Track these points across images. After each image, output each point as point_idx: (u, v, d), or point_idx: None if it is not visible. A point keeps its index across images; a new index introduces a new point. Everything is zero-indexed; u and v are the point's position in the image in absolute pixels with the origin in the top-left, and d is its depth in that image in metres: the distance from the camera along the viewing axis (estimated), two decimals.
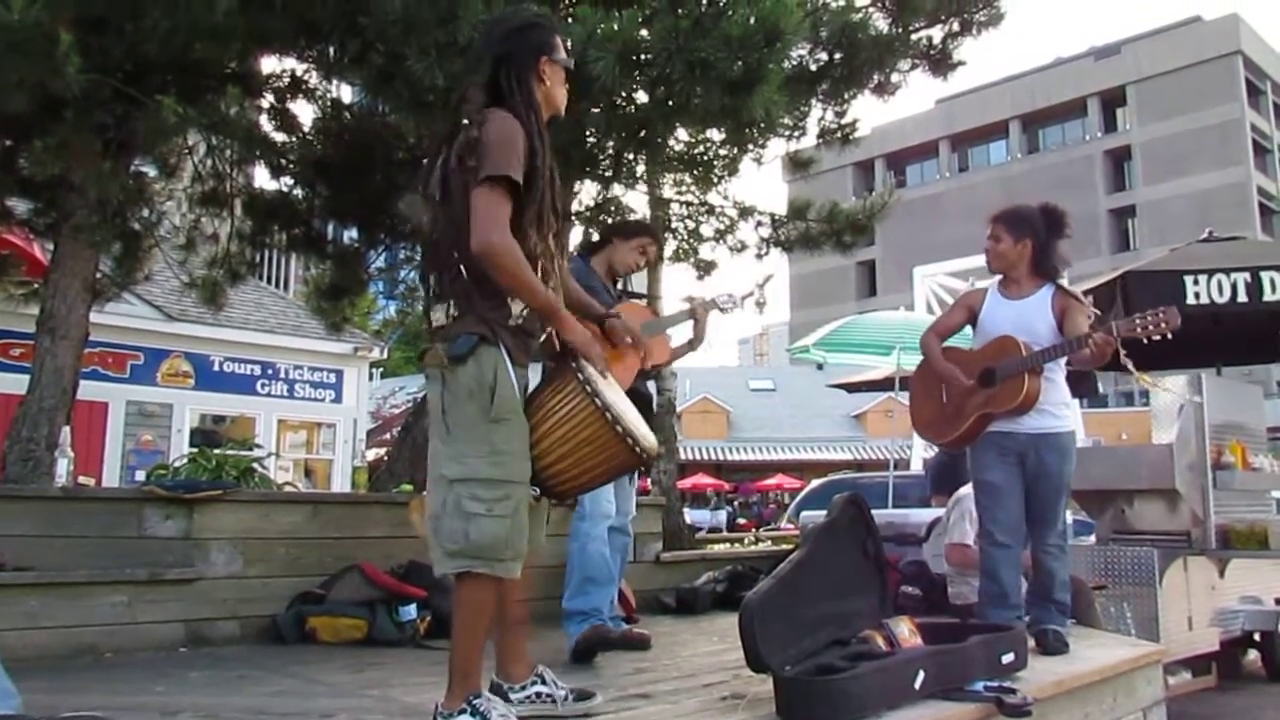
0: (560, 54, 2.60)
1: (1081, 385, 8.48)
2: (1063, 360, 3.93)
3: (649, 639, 3.96)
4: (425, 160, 2.61)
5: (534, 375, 2.62)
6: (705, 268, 8.44)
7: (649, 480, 9.97)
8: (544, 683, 2.68)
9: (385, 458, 9.01)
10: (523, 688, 2.63)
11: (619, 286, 4.11)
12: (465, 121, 2.43)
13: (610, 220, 7.40)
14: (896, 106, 60.51)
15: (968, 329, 4.23)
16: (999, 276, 4.17)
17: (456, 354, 2.37)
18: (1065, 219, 4.11)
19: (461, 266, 2.41)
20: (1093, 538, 6.15)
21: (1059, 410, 3.96)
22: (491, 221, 2.33)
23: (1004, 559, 3.89)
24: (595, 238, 4.12)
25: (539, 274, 2.46)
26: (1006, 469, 3.91)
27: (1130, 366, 3.97)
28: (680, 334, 4.08)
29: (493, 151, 2.35)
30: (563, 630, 3.72)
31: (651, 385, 4.23)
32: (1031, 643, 3.55)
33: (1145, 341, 3.73)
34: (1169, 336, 3.69)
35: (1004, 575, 3.88)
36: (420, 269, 2.67)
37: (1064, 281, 4.14)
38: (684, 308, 4.04)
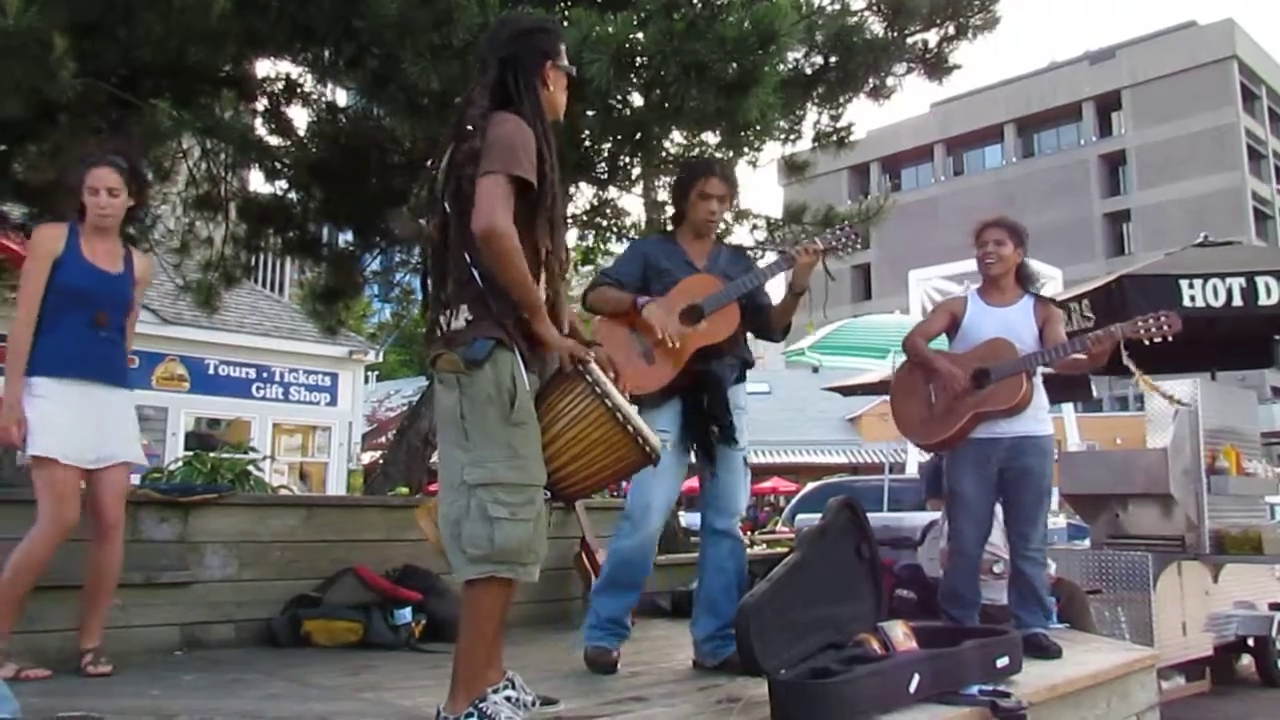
0: (564, 60, 2.64)
1: (1075, 390, 8.52)
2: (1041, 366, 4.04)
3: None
4: (431, 167, 2.63)
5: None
6: None
7: None
8: (513, 688, 2.67)
9: (380, 461, 8.99)
10: (494, 692, 2.62)
11: (718, 242, 3.75)
12: (469, 128, 2.45)
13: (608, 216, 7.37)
14: (891, 110, 60.63)
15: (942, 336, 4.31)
16: (977, 284, 4.26)
17: (474, 358, 2.39)
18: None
19: (475, 271, 2.43)
20: (1087, 542, 6.17)
21: (1040, 414, 4.04)
22: (496, 204, 2.34)
23: (965, 567, 4.04)
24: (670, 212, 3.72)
25: (555, 273, 2.53)
26: (980, 480, 3.98)
27: (1133, 367, 4.01)
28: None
29: (501, 150, 2.37)
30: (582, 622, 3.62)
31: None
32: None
33: (1147, 344, 3.79)
34: (1169, 339, 3.79)
35: (963, 581, 4.03)
36: (428, 275, 2.65)
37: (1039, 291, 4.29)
38: (770, 259, 3.68)
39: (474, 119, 2.47)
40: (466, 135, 2.46)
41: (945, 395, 4.04)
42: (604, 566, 3.64)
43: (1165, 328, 3.78)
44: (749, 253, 4.21)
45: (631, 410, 2.57)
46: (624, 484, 3.77)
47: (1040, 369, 4.03)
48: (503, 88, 2.51)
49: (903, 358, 4.36)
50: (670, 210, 3.74)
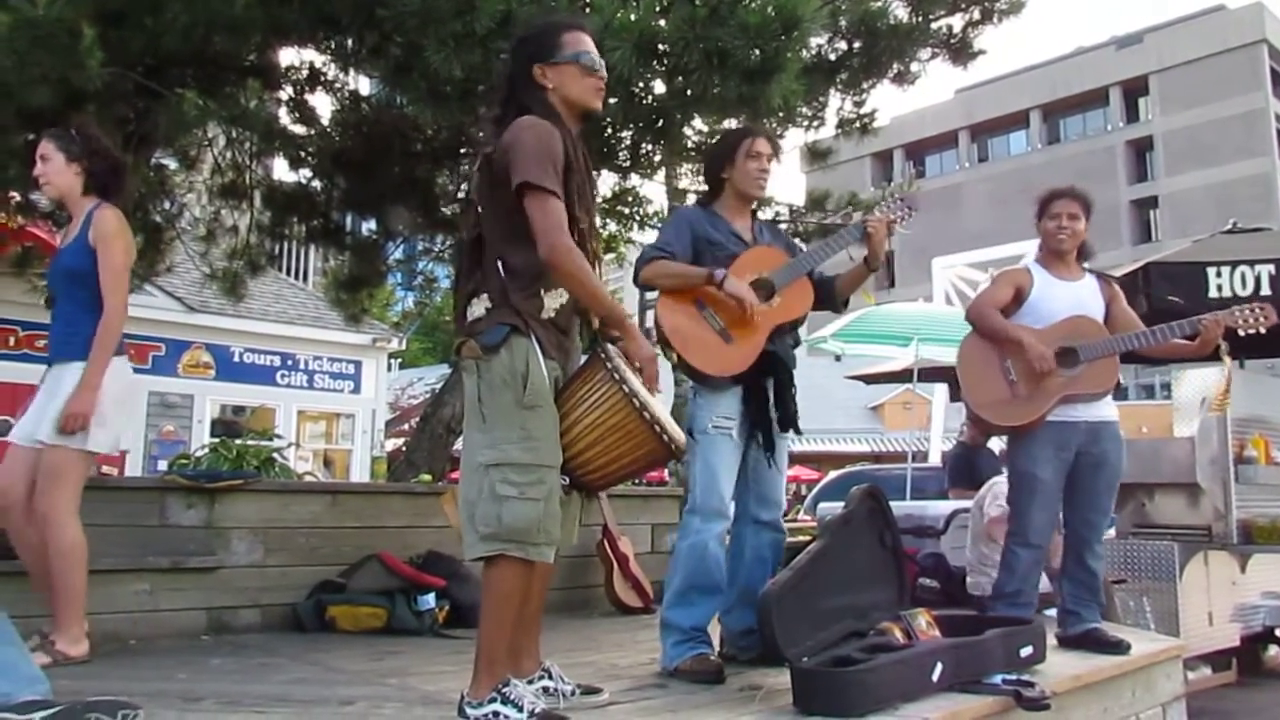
0: (562, 53, 2.60)
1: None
2: None
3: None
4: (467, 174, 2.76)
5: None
6: None
7: (666, 471, 9.93)
8: (550, 677, 2.68)
9: (404, 448, 9.05)
10: (529, 682, 2.62)
11: (755, 216, 3.55)
12: (483, 134, 2.61)
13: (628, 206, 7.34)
14: (915, 96, 59.99)
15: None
16: (1033, 256, 4.03)
17: (489, 343, 2.45)
18: None
19: (498, 262, 2.50)
20: (1112, 531, 6.12)
21: (1111, 400, 3.85)
22: (554, 226, 2.41)
23: (1034, 561, 3.78)
24: (705, 184, 3.53)
25: (588, 259, 2.54)
26: (1059, 466, 3.74)
27: (1224, 353, 3.87)
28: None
29: (528, 159, 2.43)
30: (659, 640, 3.27)
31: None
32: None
33: (1240, 334, 3.69)
34: (1262, 331, 3.68)
35: (1029, 576, 3.77)
36: (457, 267, 2.74)
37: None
38: (843, 232, 3.51)
39: (489, 138, 2.58)
40: (488, 142, 2.56)
41: (1029, 374, 3.73)
42: (671, 578, 3.26)
43: (1262, 320, 3.66)
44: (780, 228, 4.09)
45: (651, 399, 2.56)
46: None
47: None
48: (514, 99, 2.59)
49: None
50: (704, 186, 3.55)
